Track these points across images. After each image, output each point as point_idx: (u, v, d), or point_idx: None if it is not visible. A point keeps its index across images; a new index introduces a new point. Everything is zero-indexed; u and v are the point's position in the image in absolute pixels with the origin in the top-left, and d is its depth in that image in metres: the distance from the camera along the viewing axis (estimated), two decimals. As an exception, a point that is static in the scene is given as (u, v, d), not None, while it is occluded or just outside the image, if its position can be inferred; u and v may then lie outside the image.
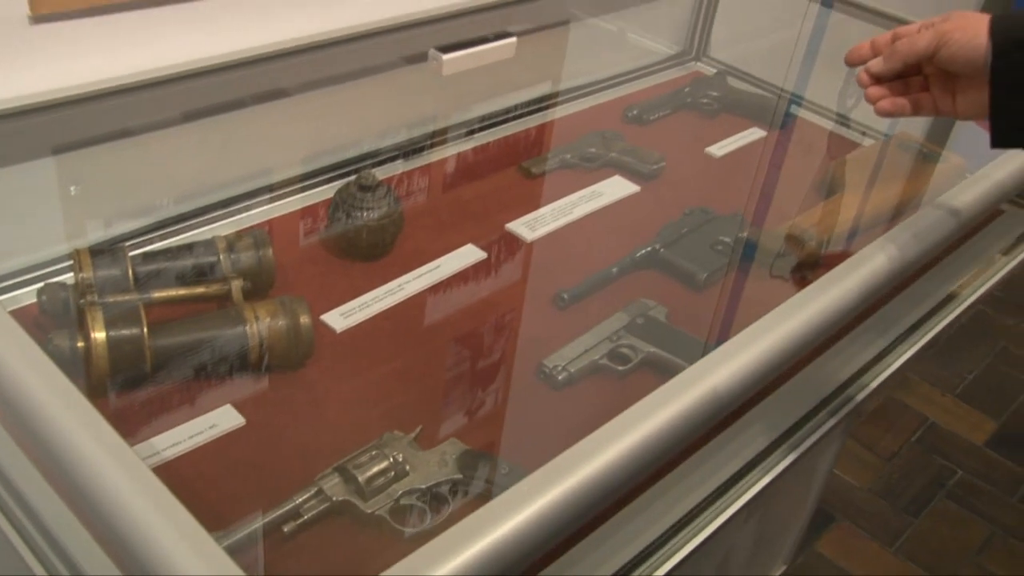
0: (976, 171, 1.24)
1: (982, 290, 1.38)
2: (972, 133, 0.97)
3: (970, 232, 1.37)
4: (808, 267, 1.30)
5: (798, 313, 0.92)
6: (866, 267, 0.99)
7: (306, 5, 1.24)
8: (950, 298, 1.34)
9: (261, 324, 0.98)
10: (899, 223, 1.08)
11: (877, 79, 0.98)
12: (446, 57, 1.28)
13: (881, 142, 1.66)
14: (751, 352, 0.87)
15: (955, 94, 0.95)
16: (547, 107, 1.61)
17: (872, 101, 0.99)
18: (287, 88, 1.27)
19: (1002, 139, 0.91)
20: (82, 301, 0.96)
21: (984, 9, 2.97)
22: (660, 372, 1.08)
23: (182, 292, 1.03)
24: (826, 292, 0.95)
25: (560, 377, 1.05)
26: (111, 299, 0.98)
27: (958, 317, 1.33)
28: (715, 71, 1.80)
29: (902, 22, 1.59)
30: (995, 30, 0.88)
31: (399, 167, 1.40)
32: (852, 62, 1.02)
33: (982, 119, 0.92)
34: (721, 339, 1.14)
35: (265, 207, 1.27)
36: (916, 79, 0.98)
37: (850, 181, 1.49)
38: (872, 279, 0.99)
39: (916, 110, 0.98)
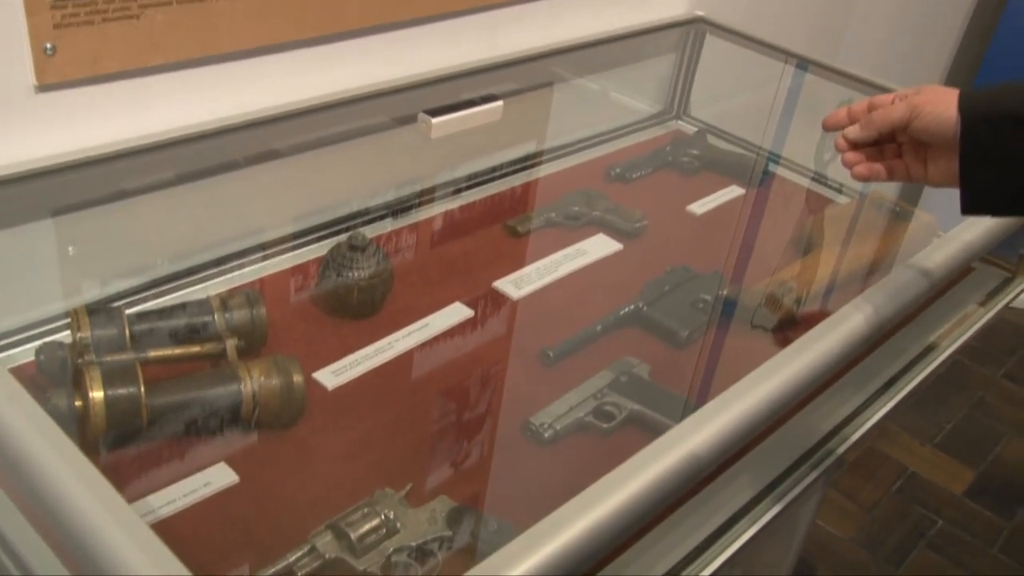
0: (947, 228, 1.29)
1: (959, 342, 1.41)
2: (942, 192, 1.01)
3: (944, 288, 1.41)
4: (787, 324, 1.33)
5: (777, 374, 0.95)
6: (843, 327, 1.03)
7: (298, 71, 1.27)
8: (929, 349, 1.38)
9: (255, 383, 1.00)
10: (874, 283, 1.11)
11: (854, 145, 1.03)
12: (435, 120, 1.31)
13: (856, 200, 1.70)
14: (731, 413, 0.90)
15: (927, 162, 1.00)
16: (532, 166, 1.64)
17: (849, 166, 1.04)
18: (280, 150, 1.30)
19: (971, 207, 0.96)
20: (80, 360, 0.98)
21: (948, 79, 3.07)
22: (644, 429, 1.11)
23: (177, 351, 1.05)
24: (804, 353, 0.99)
25: (546, 434, 1.07)
26: (108, 358, 1.00)
27: (936, 368, 1.36)
28: (695, 130, 1.85)
29: (871, 84, 1.65)
30: (963, 105, 0.94)
31: (388, 225, 1.42)
32: (829, 127, 1.07)
33: (952, 186, 0.97)
34: (702, 396, 1.18)
35: (258, 265, 1.29)
36: (890, 146, 1.03)
37: (826, 238, 1.52)
38: (849, 339, 1.03)
39: (890, 176, 1.03)
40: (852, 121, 1.04)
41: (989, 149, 0.92)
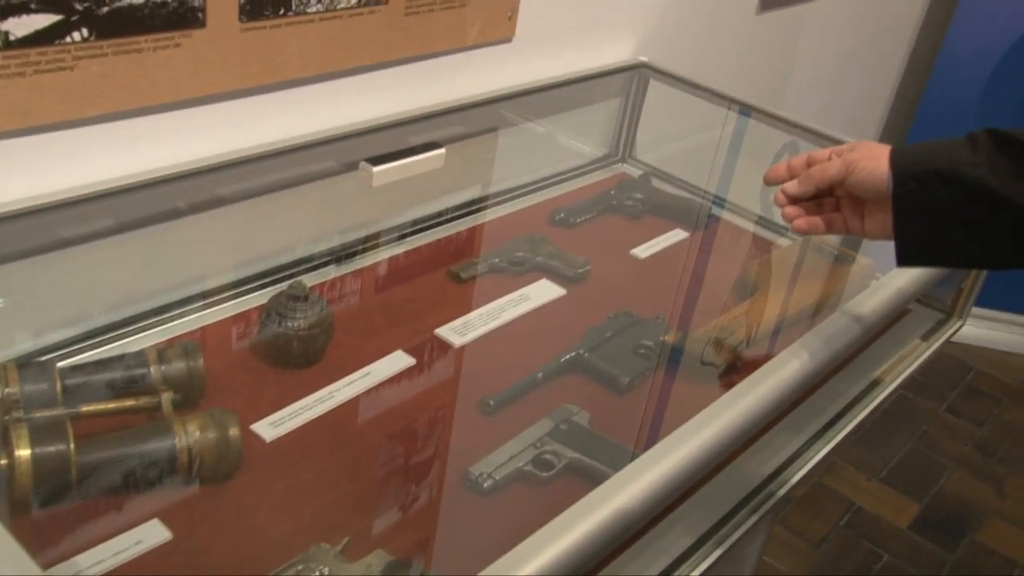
0: (886, 270, 1.30)
1: (902, 377, 1.43)
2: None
3: (885, 327, 1.42)
4: (732, 367, 1.33)
5: (713, 423, 0.95)
6: (779, 374, 1.03)
7: (238, 121, 1.26)
8: (873, 385, 1.40)
9: (190, 437, 0.98)
10: (811, 328, 1.12)
11: (793, 199, 1.05)
12: (376, 169, 1.31)
13: (797, 244, 1.72)
14: (669, 462, 0.89)
15: (864, 216, 1.02)
16: (476, 211, 1.64)
17: (789, 220, 1.06)
18: (220, 198, 1.29)
19: (906, 259, 0.98)
20: (7, 417, 0.96)
21: (884, 131, 3.16)
22: (584, 478, 1.10)
23: (111, 405, 1.03)
24: (740, 401, 0.99)
25: (485, 484, 1.06)
26: (37, 414, 0.97)
27: (881, 403, 1.38)
28: (640, 173, 1.86)
29: (813, 132, 1.68)
30: (894, 162, 0.96)
31: (331, 272, 1.41)
32: (770, 181, 1.09)
33: (888, 239, 0.99)
34: (643, 444, 1.18)
35: (198, 314, 1.28)
36: (829, 200, 1.05)
37: (768, 282, 1.54)
38: (785, 386, 1.03)
39: (829, 228, 1.05)
40: (792, 175, 1.06)
41: (919, 205, 0.94)
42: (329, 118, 1.37)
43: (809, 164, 1.05)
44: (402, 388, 1.21)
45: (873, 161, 0.97)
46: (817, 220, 1.04)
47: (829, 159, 1.03)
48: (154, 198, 1.20)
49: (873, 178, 0.97)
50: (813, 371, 1.07)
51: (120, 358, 1.08)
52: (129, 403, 1.04)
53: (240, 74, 1.21)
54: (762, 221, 1.78)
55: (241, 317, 1.29)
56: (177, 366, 1.08)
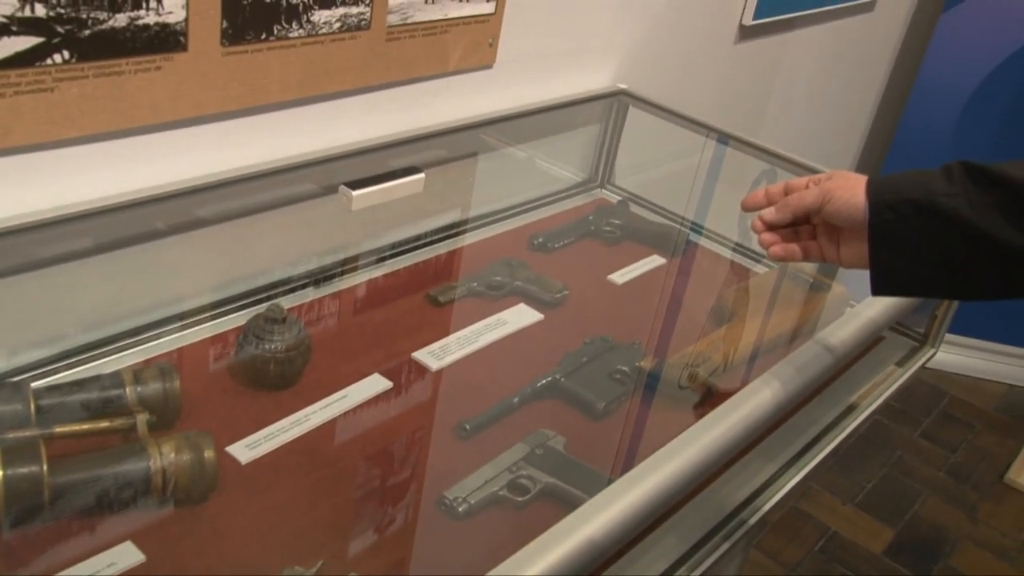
0: (861, 298, 1.31)
1: (877, 403, 1.44)
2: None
3: (856, 357, 1.44)
4: (704, 395, 1.34)
5: (685, 450, 0.96)
6: (751, 403, 1.04)
7: (218, 144, 1.27)
8: (849, 410, 1.40)
9: (165, 459, 0.98)
10: (786, 355, 1.13)
11: (770, 226, 1.05)
12: (355, 193, 1.31)
13: (774, 271, 1.73)
14: (644, 488, 0.90)
15: (840, 245, 1.03)
16: (455, 235, 1.65)
17: (765, 247, 1.07)
18: (200, 220, 1.29)
19: (881, 288, 0.99)
20: (-19, 438, 0.95)
21: (860, 161, 3.20)
22: (559, 503, 1.10)
23: (85, 426, 1.02)
24: (717, 426, 1.00)
25: (460, 509, 1.06)
26: (10, 435, 0.97)
27: (856, 428, 1.39)
28: (618, 199, 1.87)
29: (790, 161, 1.69)
30: (870, 191, 0.97)
31: (310, 295, 1.41)
32: (747, 208, 1.10)
33: (864, 268, 1.00)
34: (618, 469, 1.18)
35: (175, 335, 1.27)
36: (806, 228, 1.06)
37: (743, 310, 1.55)
38: (757, 415, 1.04)
39: (806, 256, 1.06)
40: (769, 203, 1.07)
41: (895, 234, 0.95)
42: (309, 142, 1.38)
43: (786, 192, 1.06)
44: (379, 411, 1.21)
45: (850, 190, 0.98)
46: (794, 247, 1.05)
47: (807, 187, 1.04)
48: (133, 219, 1.19)
49: (849, 207, 0.98)
50: (787, 398, 1.08)
51: (96, 379, 1.07)
52: (104, 424, 1.03)
53: (221, 97, 1.22)
54: (739, 248, 1.80)
55: (218, 338, 1.29)
56: (153, 387, 1.07)
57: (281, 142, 1.34)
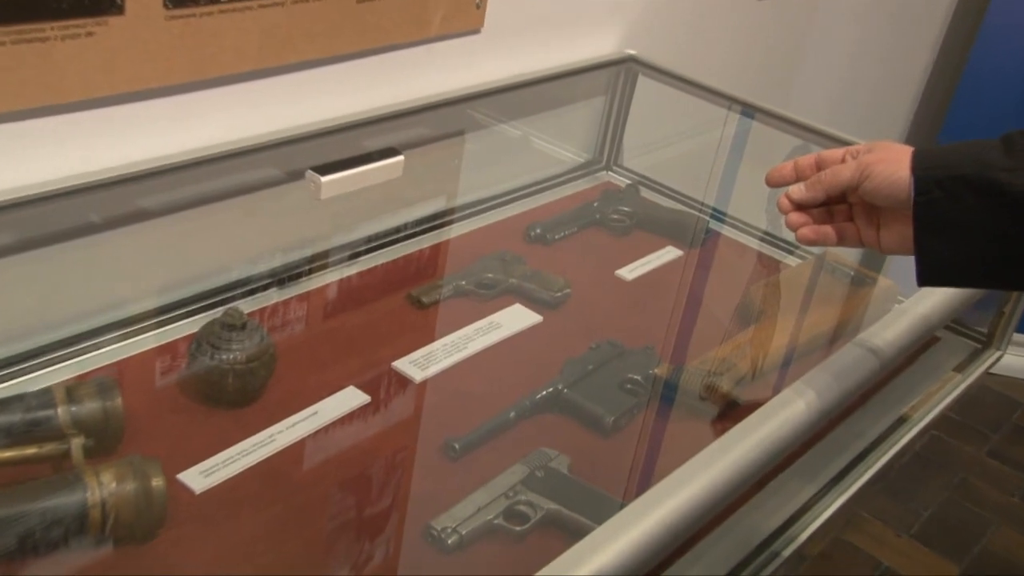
0: (910, 293, 1.32)
1: (933, 414, 1.44)
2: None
3: (906, 361, 1.44)
4: (728, 406, 1.34)
5: (713, 466, 0.96)
6: (787, 411, 1.05)
7: (162, 123, 1.27)
8: (899, 423, 1.40)
9: (105, 489, 0.98)
10: (820, 362, 1.14)
11: (799, 205, 1.05)
12: (324, 179, 1.31)
13: (808, 263, 1.73)
14: (661, 513, 0.90)
15: (879, 227, 1.02)
16: (440, 226, 1.65)
17: (793, 228, 1.06)
18: (143, 211, 1.29)
19: (927, 278, 0.98)
20: None
21: (909, 133, 3.15)
22: (563, 532, 1.11)
23: (9, 454, 1.02)
24: (744, 441, 1.00)
25: (450, 540, 1.06)
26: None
27: (908, 445, 1.39)
28: (627, 183, 1.87)
29: (825, 135, 1.70)
30: (916, 166, 0.96)
31: (273, 296, 1.42)
32: (773, 183, 1.09)
33: (906, 254, 0.99)
34: (629, 492, 1.18)
35: (116, 345, 1.27)
36: (841, 207, 1.05)
37: (772, 308, 1.55)
38: (794, 424, 1.05)
39: (840, 240, 1.05)
40: (798, 177, 1.06)
41: (944, 216, 0.95)
42: (270, 120, 1.38)
43: (819, 166, 1.06)
44: (354, 429, 1.21)
45: (892, 164, 0.98)
46: (827, 230, 1.05)
47: (843, 161, 1.04)
48: (64, 211, 1.20)
49: (891, 184, 0.97)
50: (825, 408, 1.08)
51: (20, 398, 1.07)
52: (31, 451, 1.03)
53: (165, 69, 1.22)
54: (768, 237, 1.80)
55: (166, 348, 1.29)
56: (90, 406, 1.07)
57: (237, 121, 1.34)
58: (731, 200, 1.88)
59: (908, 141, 3.23)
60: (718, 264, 1.75)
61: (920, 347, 1.43)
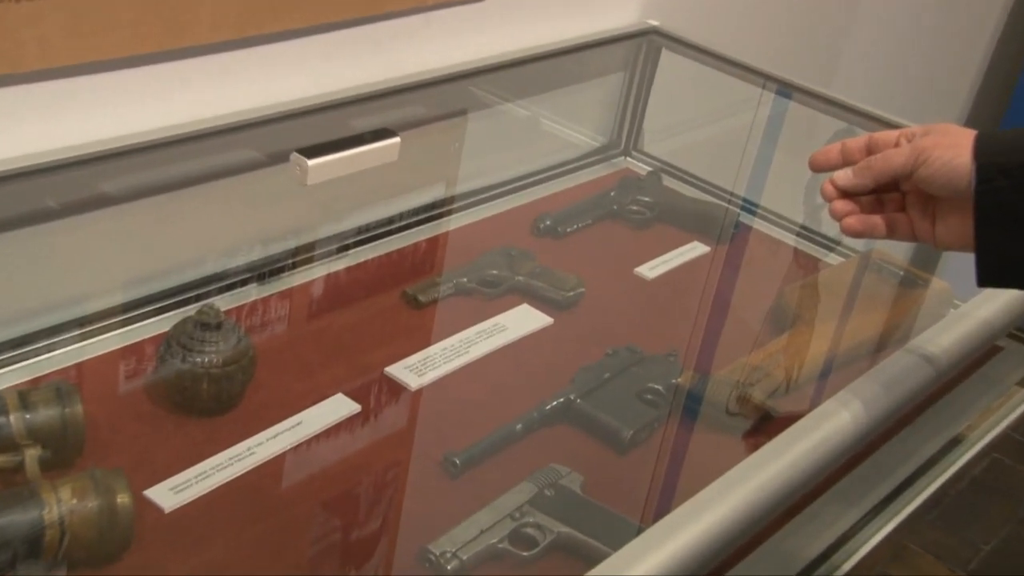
0: (967, 296, 1.32)
1: (993, 434, 1.43)
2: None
3: (968, 368, 1.43)
4: (761, 421, 1.34)
5: (741, 488, 0.96)
6: (826, 427, 1.05)
7: (131, 97, 1.27)
8: (954, 443, 1.40)
9: (64, 507, 0.98)
10: (866, 371, 1.14)
11: (846, 192, 1.05)
12: (311, 163, 1.31)
13: (852, 261, 1.73)
14: (683, 539, 0.91)
15: (935, 219, 1.02)
16: (439, 217, 1.66)
17: (837, 217, 1.05)
18: (105, 196, 1.29)
19: (988, 278, 0.98)
20: None
21: (970, 116, 3.12)
22: (574, 557, 1.11)
23: (-43, 465, 1.03)
24: (777, 460, 1.00)
25: (449, 566, 1.06)
26: None
27: (966, 467, 1.38)
28: (648, 170, 1.88)
29: (873, 118, 1.69)
30: (979, 152, 0.95)
31: (252, 293, 1.42)
32: (817, 167, 1.09)
33: (965, 250, 0.99)
34: (648, 515, 1.18)
35: (76, 346, 1.28)
36: (893, 196, 1.05)
37: (811, 312, 1.55)
38: (834, 442, 1.05)
39: (890, 232, 1.05)
40: (846, 161, 1.06)
41: (1009, 207, 0.94)
42: (250, 96, 1.38)
43: (870, 149, 1.05)
44: (343, 442, 1.22)
45: (951, 149, 0.98)
46: (875, 220, 1.05)
47: (896, 144, 1.04)
48: (18, 194, 1.20)
49: (949, 170, 0.97)
50: (870, 424, 1.09)
51: (-30, 403, 1.08)
52: (-19, 462, 1.04)
53: (133, 37, 1.22)
54: (806, 232, 1.80)
55: (133, 350, 1.29)
56: (46, 414, 1.08)
57: (213, 96, 1.35)
58: (765, 190, 1.88)
59: (969, 125, 3.21)
60: (749, 262, 1.75)
61: (979, 357, 1.42)
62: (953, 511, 2.72)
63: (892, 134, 1.05)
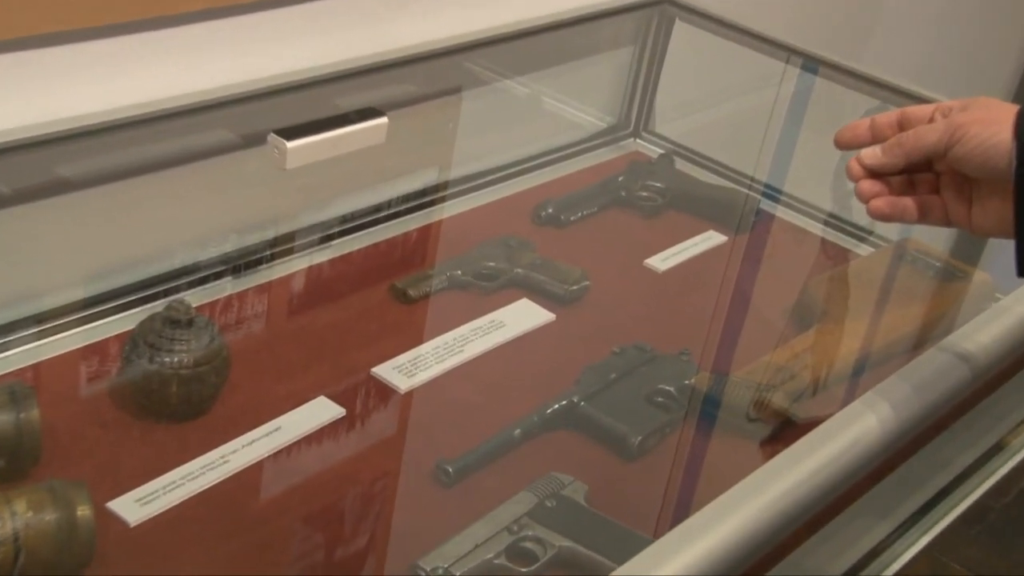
0: (1010, 289, 1.32)
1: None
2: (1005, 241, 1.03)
3: (1005, 372, 1.43)
4: (782, 426, 1.34)
5: (759, 497, 0.96)
6: (849, 434, 1.04)
7: (90, 74, 1.27)
8: (997, 449, 1.40)
9: (18, 521, 0.98)
10: (896, 370, 1.14)
11: (873, 172, 1.05)
12: (291, 145, 1.31)
13: (885, 251, 1.73)
14: (697, 552, 0.90)
15: (972, 202, 1.02)
16: (431, 204, 1.66)
17: (863, 199, 1.05)
18: (64, 181, 1.30)
19: None
20: None
21: (1018, 91, 3.11)
22: (577, 572, 1.11)
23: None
24: (798, 467, 1.00)
25: (441, 584, 1.07)
26: None
27: (1010, 478, 1.38)
28: (659, 152, 1.88)
29: (908, 95, 1.69)
30: (1022, 128, 0.95)
31: (227, 288, 1.42)
32: (843, 144, 1.09)
33: (1004, 236, 0.99)
34: (659, 527, 1.18)
35: (31, 345, 1.28)
36: (926, 177, 1.05)
37: (839, 307, 1.55)
38: (861, 448, 1.04)
39: (922, 216, 1.05)
40: (875, 138, 1.06)
41: None
42: (224, 72, 1.38)
43: (901, 125, 1.05)
44: (326, 449, 1.22)
45: (990, 126, 0.97)
46: (906, 203, 1.04)
47: (930, 120, 1.04)
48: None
49: (988, 148, 0.97)
50: (902, 428, 1.08)
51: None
52: (-73, 474, 1.04)
53: (95, 7, 1.22)
54: (834, 220, 1.80)
55: (95, 349, 1.30)
56: (0, 419, 1.08)
57: (183, 72, 1.35)
58: (788, 174, 1.88)
59: (1015, 100, 3.19)
60: (771, 253, 1.75)
61: (1016, 362, 1.42)
62: (998, 527, 2.72)
63: (926, 108, 1.05)
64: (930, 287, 1.65)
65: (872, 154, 1.04)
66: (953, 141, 0.99)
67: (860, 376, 1.44)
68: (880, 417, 1.06)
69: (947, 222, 1.04)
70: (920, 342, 1.51)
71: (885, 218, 1.04)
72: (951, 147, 0.99)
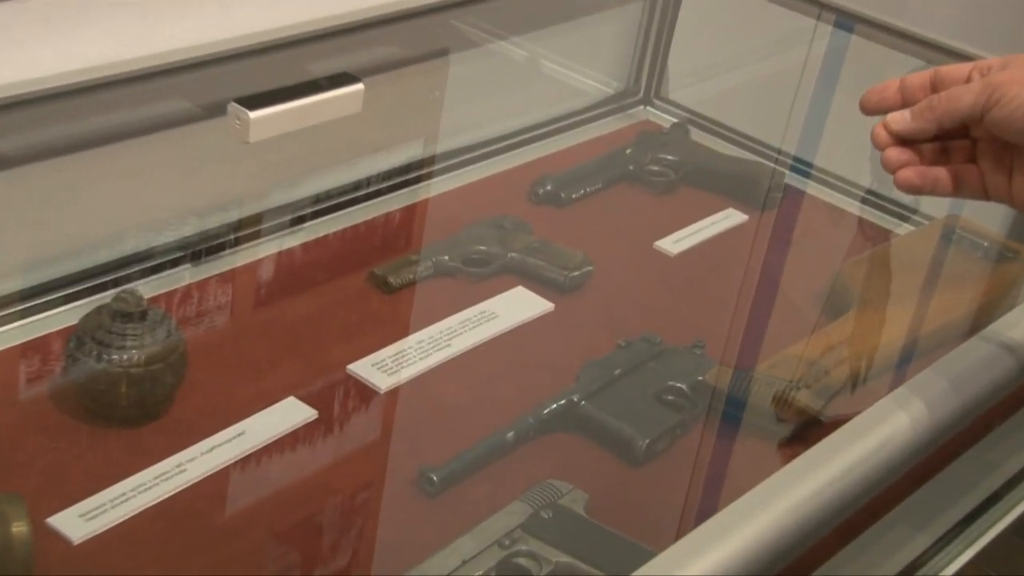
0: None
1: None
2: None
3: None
4: (809, 425, 1.34)
5: (780, 504, 0.96)
6: (880, 433, 1.05)
7: (29, 34, 1.27)
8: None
9: (-53, 537, 0.99)
10: (934, 362, 1.14)
11: (902, 138, 1.05)
12: (254, 115, 1.31)
13: (928, 230, 1.73)
14: (709, 565, 0.91)
15: (1012, 172, 1.02)
16: (414, 182, 1.66)
17: (890, 169, 1.04)
18: (2, 156, 1.30)
19: None
20: None
21: None
22: (578, 593, 1.12)
23: None
24: (823, 471, 1.00)
25: (427, 604, 1.07)
26: None
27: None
28: (672, 121, 1.88)
29: (953, 53, 1.68)
30: None
31: (184, 276, 1.42)
32: (870, 108, 1.08)
33: None
34: (668, 540, 1.18)
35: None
36: (961, 144, 1.05)
37: (876, 293, 1.55)
38: (889, 452, 1.04)
39: (956, 188, 1.04)
40: (905, 101, 1.05)
41: None
42: (180, 33, 1.38)
43: (934, 86, 1.05)
44: (297, 456, 1.22)
45: None
46: (938, 173, 1.04)
47: (967, 80, 1.03)
48: None
49: None
50: (934, 429, 1.08)
51: None
52: None
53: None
54: (871, 197, 1.80)
55: (35, 346, 1.30)
56: (-71, 424, 1.09)
57: (134, 33, 1.35)
58: (820, 146, 1.88)
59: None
60: (800, 233, 1.75)
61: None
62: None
63: (963, 68, 1.04)
64: (979, 270, 1.65)
65: (900, 118, 1.03)
66: (991, 103, 0.98)
67: (903, 371, 1.44)
68: (912, 415, 1.05)
69: (984, 194, 1.04)
70: (968, 332, 1.51)
71: (915, 190, 1.04)
72: (988, 110, 0.99)
